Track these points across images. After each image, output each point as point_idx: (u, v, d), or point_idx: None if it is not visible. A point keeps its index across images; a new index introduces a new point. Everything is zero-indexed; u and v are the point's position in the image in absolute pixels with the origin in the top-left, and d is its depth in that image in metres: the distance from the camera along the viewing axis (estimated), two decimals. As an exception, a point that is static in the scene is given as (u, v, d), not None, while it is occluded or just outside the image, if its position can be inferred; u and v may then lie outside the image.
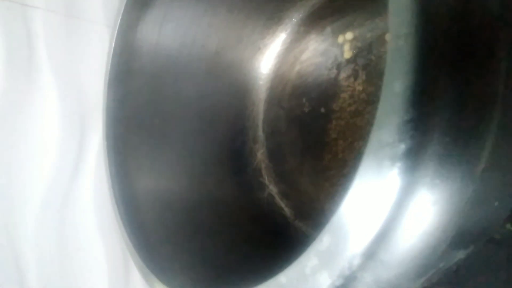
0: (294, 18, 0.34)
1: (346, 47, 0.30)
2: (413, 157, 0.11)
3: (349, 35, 0.30)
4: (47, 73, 0.39)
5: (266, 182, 0.35)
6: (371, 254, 0.12)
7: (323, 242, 0.12)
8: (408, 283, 0.13)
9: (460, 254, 0.15)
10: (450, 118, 0.11)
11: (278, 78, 0.35)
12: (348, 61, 0.30)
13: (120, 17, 0.25)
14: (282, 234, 0.32)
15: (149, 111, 0.29)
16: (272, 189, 0.34)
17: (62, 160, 0.38)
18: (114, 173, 0.25)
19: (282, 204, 0.33)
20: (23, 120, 0.38)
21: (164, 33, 0.29)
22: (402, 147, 0.11)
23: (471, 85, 0.11)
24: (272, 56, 0.36)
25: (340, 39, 0.31)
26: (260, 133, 0.36)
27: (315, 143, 0.31)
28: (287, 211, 0.33)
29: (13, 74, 0.37)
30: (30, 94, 0.38)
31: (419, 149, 0.11)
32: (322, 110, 0.31)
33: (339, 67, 0.31)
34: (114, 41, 0.25)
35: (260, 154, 0.36)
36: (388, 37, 0.19)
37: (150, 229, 0.26)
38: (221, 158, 0.34)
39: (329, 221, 0.12)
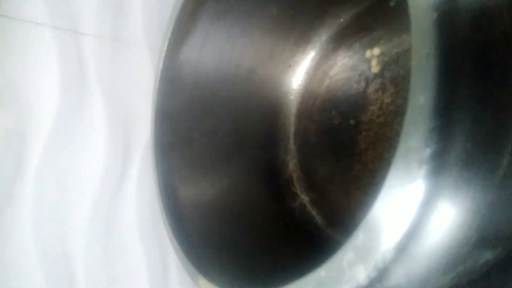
0: (323, 36, 0.36)
1: (374, 62, 0.32)
2: (438, 161, 0.12)
3: (376, 51, 0.31)
4: (96, 93, 0.43)
5: (298, 191, 0.36)
6: (402, 248, 0.13)
7: (358, 238, 0.14)
8: (437, 276, 0.14)
9: (488, 255, 0.16)
10: (470, 126, 0.12)
11: (308, 92, 0.37)
12: (376, 75, 0.31)
13: (166, 42, 0.28)
14: (315, 241, 0.33)
15: (190, 125, 0.32)
16: (304, 198, 0.36)
17: (108, 173, 0.41)
18: (161, 184, 0.28)
19: (313, 212, 0.34)
20: (75, 137, 0.42)
21: (204, 54, 0.31)
22: (428, 152, 0.12)
23: (489, 96, 0.12)
24: (302, 72, 0.38)
25: (368, 54, 0.32)
26: (292, 145, 0.38)
27: (345, 154, 0.33)
28: (318, 219, 0.34)
29: (67, 95, 0.41)
30: (81, 112, 0.42)
31: (443, 154, 0.12)
32: (352, 122, 0.33)
33: (367, 81, 0.32)
34: (161, 62, 0.28)
35: (292, 165, 0.37)
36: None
37: (194, 233, 0.28)
38: (256, 169, 0.36)
39: (363, 219, 0.14)
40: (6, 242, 0.41)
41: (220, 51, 0.32)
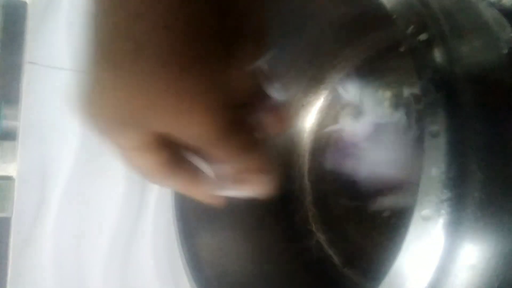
0: (334, 78, 0.37)
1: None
2: (452, 230, 0.13)
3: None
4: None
5: (314, 229, 0.37)
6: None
7: (386, 284, 0.14)
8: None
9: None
10: (481, 197, 0.13)
11: (321, 131, 0.38)
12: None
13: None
14: (333, 281, 0.33)
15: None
16: (320, 236, 0.36)
17: (126, 209, 0.42)
18: (180, 228, 0.29)
19: (330, 251, 0.35)
20: (95, 174, 0.43)
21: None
22: (441, 221, 0.13)
23: (496, 171, 0.13)
24: (314, 111, 0.39)
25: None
26: (306, 182, 0.39)
27: (362, 192, 0.33)
28: (335, 258, 0.34)
29: (87, 134, 0.43)
30: (100, 150, 0.43)
31: (455, 223, 0.13)
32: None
33: (379, 121, 0.33)
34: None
35: (307, 202, 0.38)
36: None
37: (212, 275, 0.29)
38: (271, 207, 0.36)
39: (387, 272, 0.14)
40: (28, 279, 0.42)
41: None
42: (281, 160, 0.39)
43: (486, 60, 0.14)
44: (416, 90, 0.30)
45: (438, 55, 0.14)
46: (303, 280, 0.33)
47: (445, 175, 0.13)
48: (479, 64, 0.14)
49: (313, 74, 0.37)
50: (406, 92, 0.30)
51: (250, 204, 0.36)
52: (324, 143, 0.38)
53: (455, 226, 0.13)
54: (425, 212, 0.13)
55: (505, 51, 0.15)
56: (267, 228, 0.36)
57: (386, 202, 0.31)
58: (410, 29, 0.15)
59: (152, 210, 0.42)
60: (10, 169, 0.46)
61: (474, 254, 0.14)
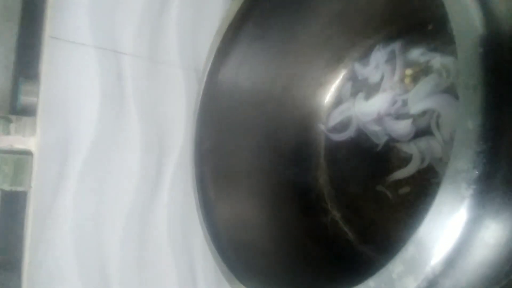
0: (353, 56, 0.37)
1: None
2: (486, 181, 0.13)
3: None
4: (133, 109, 0.45)
5: (329, 207, 0.37)
6: (450, 262, 0.14)
7: (408, 251, 0.15)
8: (484, 290, 0.15)
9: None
10: (516, 150, 0.13)
11: (338, 108, 0.38)
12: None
13: (209, 64, 0.30)
14: (347, 257, 0.34)
15: (225, 141, 0.34)
16: (335, 214, 0.36)
17: (142, 185, 0.43)
18: (200, 198, 0.29)
19: (345, 228, 0.35)
20: (113, 150, 0.44)
21: (240, 74, 0.33)
22: (476, 173, 0.13)
23: (533, 123, 0.13)
24: (332, 89, 0.39)
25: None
26: (322, 161, 0.39)
27: (378, 170, 0.33)
28: (350, 235, 0.35)
29: (106, 110, 0.44)
30: (119, 127, 0.44)
31: (490, 175, 0.13)
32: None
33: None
34: (203, 82, 0.30)
35: (322, 180, 0.38)
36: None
37: (229, 246, 0.29)
38: (287, 183, 0.37)
39: (413, 234, 0.15)
40: (47, 247, 0.43)
41: (256, 71, 0.34)
42: (298, 138, 0.39)
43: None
44: (447, 60, 0.29)
45: (476, 14, 0.14)
46: (318, 255, 0.33)
47: (481, 128, 0.13)
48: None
49: (332, 53, 0.37)
50: (436, 64, 0.30)
51: (267, 179, 0.37)
52: (341, 122, 0.38)
53: (489, 179, 0.13)
54: (460, 164, 0.14)
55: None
56: (283, 204, 0.36)
57: (404, 178, 0.31)
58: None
59: (169, 182, 0.43)
60: (30, 143, 0.47)
61: (505, 213, 0.14)
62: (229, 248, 0.30)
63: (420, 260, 0.14)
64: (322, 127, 0.39)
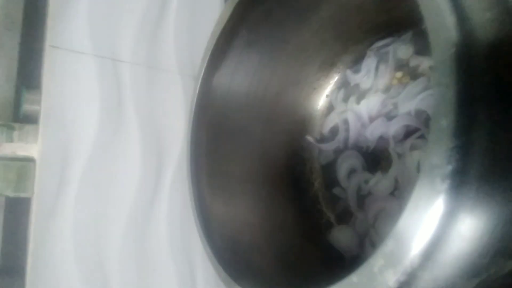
0: (345, 61, 0.38)
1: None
2: (459, 176, 0.14)
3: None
4: (132, 115, 0.46)
5: (324, 209, 0.38)
6: (428, 255, 0.15)
7: (388, 246, 0.15)
8: (462, 282, 0.15)
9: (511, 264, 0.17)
10: (488, 145, 0.14)
11: (331, 113, 0.39)
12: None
13: (203, 70, 0.30)
14: (341, 257, 0.34)
15: (220, 147, 0.34)
16: (330, 216, 0.37)
17: (142, 190, 0.44)
18: (195, 201, 0.30)
19: (340, 230, 0.36)
20: (113, 156, 0.45)
21: (235, 79, 0.34)
22: (449, 168, 0.14)
23: (504, 117, 0.14)
24: (325, 94, 0.40)
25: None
26: (316, 165, 0.40)
27: (370, 172, 0.34)
28: (345, 236, 0.35)
29: (106, 117, 0.45)
30: (119, 133, 0.45)
31: (464, 170, 0.14)
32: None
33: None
34: (198, 88, 0.31)
35: (317, 183, 0.39)
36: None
37: (226, 247, 0.30)
38: (282, 187, 0.37)
39: (392, 229, 0.15)
40: (49, 251, 0.44)
41: (250, 76, 0.35)
42: (292, 143, 0.40)
43: (496, 18, 0.15)
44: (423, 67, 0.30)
45: (449, 16, 0.15)
46: (312, 255, 0.34)
47: (454, 124, 0.14)
48: (491, 21, 0.15)
49: (325, 58, 0.38)
50: (425, 66, 0.31)
51: (262, 182, 0.37)
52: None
53: (463, 174, 0.14)
54: (435, 159, 0.14)
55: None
56: (279, 207, 0.37)
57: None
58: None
59: (168, 187, 0.44)
60: (32, 150, 0.47)
61: (480, 206, 0.15)
62: (225, 250, 0.30)
63: (399, 254, 0.15)
64: (310, 139, 0.39)
